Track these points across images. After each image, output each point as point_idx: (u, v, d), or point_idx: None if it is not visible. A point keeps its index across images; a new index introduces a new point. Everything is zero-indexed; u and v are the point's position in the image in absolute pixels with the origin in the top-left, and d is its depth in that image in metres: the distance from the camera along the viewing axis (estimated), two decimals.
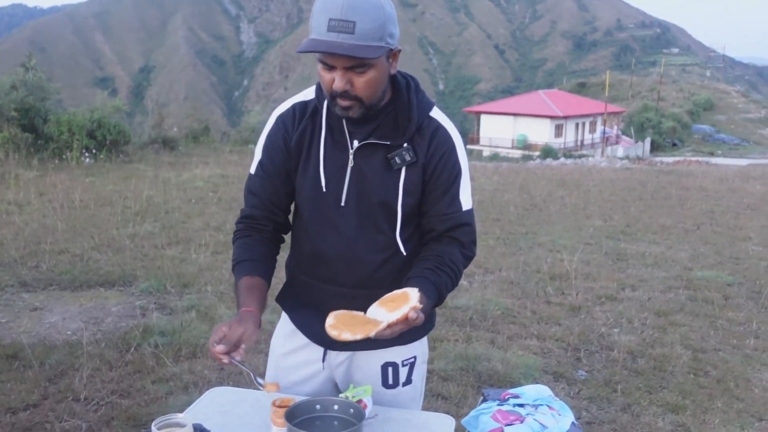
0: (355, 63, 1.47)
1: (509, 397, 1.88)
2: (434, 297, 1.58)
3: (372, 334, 1.41)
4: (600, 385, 3.75)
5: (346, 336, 1.43)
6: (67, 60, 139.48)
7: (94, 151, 12.54)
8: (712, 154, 39.17)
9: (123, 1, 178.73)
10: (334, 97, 1.52)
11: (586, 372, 3.96)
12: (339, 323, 1.47)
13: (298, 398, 1.58)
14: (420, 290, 1.49)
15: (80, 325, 4.34)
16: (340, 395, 1.59)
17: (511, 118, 45.69)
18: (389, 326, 1.42)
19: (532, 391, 1.90)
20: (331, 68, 1.49)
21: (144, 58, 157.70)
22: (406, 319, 1.42)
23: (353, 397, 1.57)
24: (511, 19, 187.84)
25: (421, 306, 1.44)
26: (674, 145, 47.11)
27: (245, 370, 1.50)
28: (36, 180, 9.76)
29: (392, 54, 1.54)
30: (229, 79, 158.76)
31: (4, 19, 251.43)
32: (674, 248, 7.30)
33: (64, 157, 12.05)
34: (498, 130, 44.74)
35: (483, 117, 47.52)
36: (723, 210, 9.99)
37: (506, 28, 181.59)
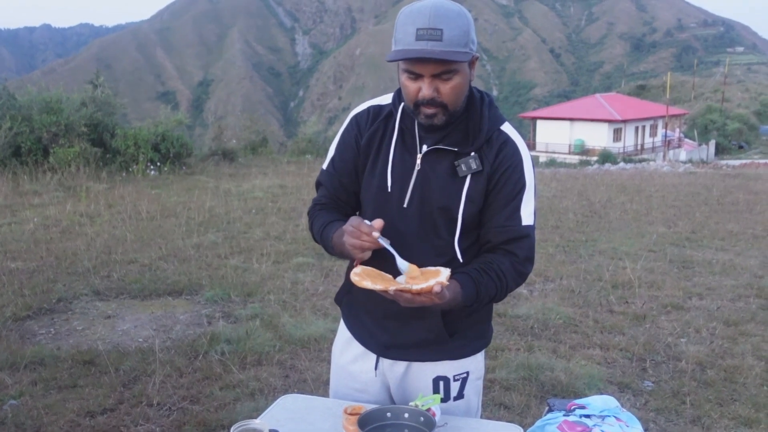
0: (443, 69, 1.52)
1: (575, 408, 1.87)
2: (471, 293, 1.59)
3: (391, 289, 1.45)
4: (668, 397, 3.67)
5: (366, 284, 1.47)
6: (130, 75, 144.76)
7: (158, 163, 12.98)
8: None
9: (183, 17, 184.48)
10: (418, 105, 1.57)
11: (653, 383, 3.87)
12: (364, 274, 1.51)
13: (369, 406, 1.62)
14: (457, 281, 1.55)
15: (151, 332, 4.51)
16: (410, 404, 1.62)
17: (567, 123, 44.91)
18: (411, 292, 1.45)
19: (598, 402, 1.88)
20: (417, 77, 1.54)
21: (203, 71, 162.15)
22: (429, 291, 1.44)
23: (423, 405, 1.59)
24: (566, 22, 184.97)
25: (447, 283, 1.47)
26: (740, 147, 45.39)
27: (391, 250, 1.54)
28: (105, 192, 10.17)
29: (472, 61, 1.59)
30: (284, 91, 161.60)
31: (72, 38, 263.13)
32: (743, 255, 7.05)
33: (130, 169, 12.52)
34: (554, 136, 44.03)
35: (539, 122, 46.86)
36: None
37: (561, 31, 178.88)
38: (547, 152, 41.35)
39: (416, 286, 1.45)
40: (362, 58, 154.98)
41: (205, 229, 7.70)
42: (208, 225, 7.97)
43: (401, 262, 1.53)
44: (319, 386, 3.59)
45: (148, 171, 12.64)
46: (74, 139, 12.21)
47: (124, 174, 12.29)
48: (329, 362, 2.02)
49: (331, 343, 2.02)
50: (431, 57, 1.47)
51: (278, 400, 1.86)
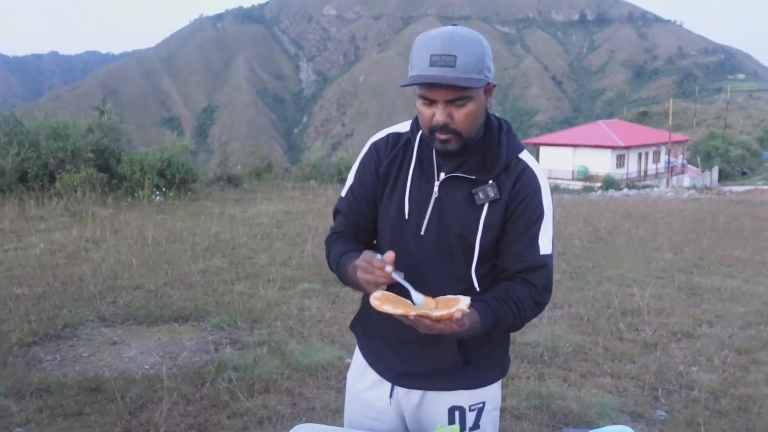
0: (456, 96, 1.52)
1: None
2: (490, 321, 1.57)
3: (412, 314, 1.43)
4: (681, 426, 3.61)
5: (387, 308, 1.45)
6: (136, 102, 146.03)
7: (164, 189, 13.01)
8: None
9: (188, 45, 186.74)
10: (433, 131, 1.57)
11: (666, 412, 3.81)
12: (384, 298, 1.49)
13: None
14: (476, 309, 1.52)
15: (157, 359, 4.47)
16: None
17: (570, 149, 45.08)
18: (431, 318, 1.43)
19: None
20: (431, 103, 1.55)
21: (207, 98, 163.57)
22: (450, 319, 1.43)
23: None
24: (568, 49, 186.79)
25: (468, 311, 1.45)
26: (744, 173, 45.41)
27: (405, 284, 1.52)
28: (111, 218, 10.18)
29: (488, 88, 1.59)
30: (288, 117, 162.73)
31: (79, 65, 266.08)
32: (752, 282, 7.01)
33: (136, 195, 12.54)
34: (558, 162, 44.13)
35: (542, 149, 47.03)
36: None
37: (563, 58, 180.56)
38: (550, 178, 41.25)
39: (436, 313, 1.43)
40: (366, 85, 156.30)
41: (210, 255, 7.68)
42: (213, 250, 7.95)
43: (416, 296, 1.52)
44: (328, 414, 3.54)
45: (153, 196, 12.66)
46: (80, 164, 12.26)
47: (129, 199, 12.31)
48: (338, 390, 1.99)
49: (340, 371, 2.00)
50: (442, 82, 1.48)
51: (292, 430, 1.82)
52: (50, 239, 8.35)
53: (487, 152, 1.65)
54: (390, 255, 1.51)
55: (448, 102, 1.53)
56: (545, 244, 1.66)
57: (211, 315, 5.41)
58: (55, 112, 14.36)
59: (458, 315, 1.42)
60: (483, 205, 1.63)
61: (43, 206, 10.81)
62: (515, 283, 1.65)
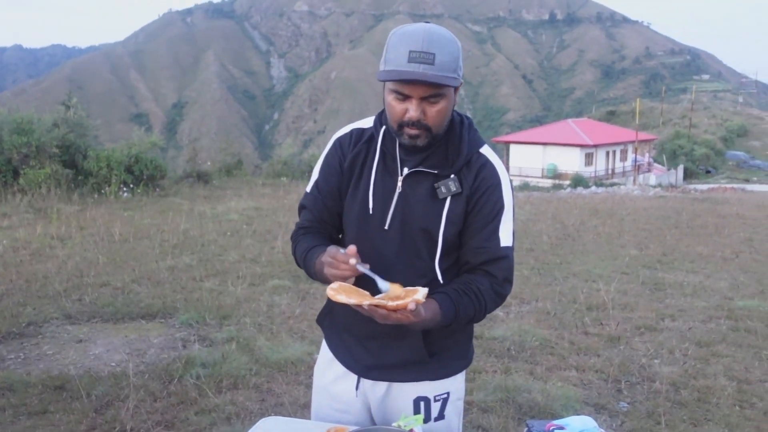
0: (432, 93, 1.55)
1: (554, 429, 1.88)
2: (451, 312, 1.60)
3: (365, 303, 1.45)
4: (643, 417, 3.70)
5: (341, 298, 1.48)
6: (103, 97, 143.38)
7: (131, 185, 12.84)
8: (747, 180, 38.50)
9: (157, 39, 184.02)
10: (402, 126, 1.59)
11: (628, 404, 3.90)
12: (340, 289, 1.52)
13: (352, 428, 1.61)
14: (436, 300, 1.56)
15: (124, 356, 4.43)
16: (393, 424, 1.62)
17: (540, 147, 45.56)
18: (386, 308, 1.45)
19: (576, 422, 1.90)
20: (405, 98, 1.56)
21: (177, 94, 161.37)
22: (405, 309, 1.45)
23: (405, 426, 1.59)
24: (538, 49, 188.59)
25: (423, 301, 1.48)
26: (708, 172, 46.39)
27: (371, 275, 1.54)
28: (77, 214, 10.02)
29: (457, 86, 1.61)
30: (259, 113, 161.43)
31: (44, 59, 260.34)
32: (713, 277, 7.18)
33: (102, 191, 12.36)
34: (527, 160, 44.60)
35: (512, 147, 47.47)
36: (762, 238, 9.81)
37: (534, 58, 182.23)
38: (520, 176, 41.81)
39: (392, 303, 1.46)
40: (337, 82, 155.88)
41: (179, 252, 7.62)
42: (182, 247, 7.88)
43: (382, 284, 1.54)
44: (297, 410, 3.55)
45: (120, 193, 12.49)
46: (45, 160, 12.04)
47: (96, 196, 12.12)
48: (307, 385, 2.01)
49: (309, 367, 2.01)
50: (424, 80, 1.50)
51: (258, 423, 1.84)
52: (14, 236, 8.19)
53: (450, 147, 1.68)
54: (352, 248, 1.54)
55: (423, 99, 1.55)
56: (506, 236, 1.69)
57: (180, 312, 5.37)
58: (18, 107, 14.13)
59: (412, 306, 1.44)
60: (445, 199, 1.66)
61: (6, 202, 10.60)
62: (476, 275, 1.69)
